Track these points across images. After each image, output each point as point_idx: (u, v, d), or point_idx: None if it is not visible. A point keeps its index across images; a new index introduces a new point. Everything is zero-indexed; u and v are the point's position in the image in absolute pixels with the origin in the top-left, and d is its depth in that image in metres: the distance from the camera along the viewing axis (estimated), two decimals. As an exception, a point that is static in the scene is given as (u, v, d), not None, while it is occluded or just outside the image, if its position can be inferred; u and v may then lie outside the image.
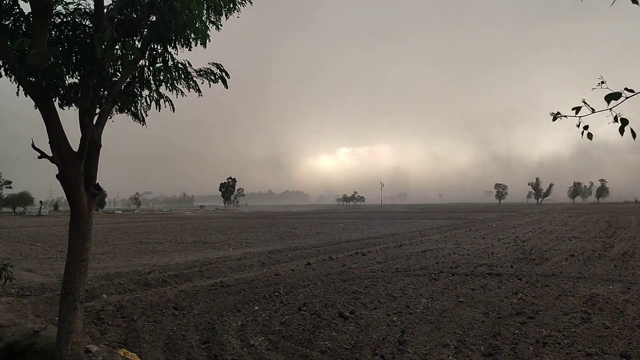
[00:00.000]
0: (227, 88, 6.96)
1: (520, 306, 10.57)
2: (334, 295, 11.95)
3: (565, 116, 3.83)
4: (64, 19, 6.30)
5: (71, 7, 6.27)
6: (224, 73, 6.93)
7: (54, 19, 6.23)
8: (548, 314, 9.89)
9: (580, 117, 3.68)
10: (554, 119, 3.86)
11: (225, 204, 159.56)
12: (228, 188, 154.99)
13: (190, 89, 6.86)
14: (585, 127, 3.76)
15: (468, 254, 20.30)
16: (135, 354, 7.70)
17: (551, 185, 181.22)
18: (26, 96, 6.21)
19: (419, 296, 11.70)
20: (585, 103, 3.61)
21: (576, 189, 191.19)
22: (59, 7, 6.24)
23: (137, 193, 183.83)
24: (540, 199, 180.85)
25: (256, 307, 10.85)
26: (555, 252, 20.42)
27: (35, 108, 6.24)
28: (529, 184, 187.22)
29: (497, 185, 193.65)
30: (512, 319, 9.56)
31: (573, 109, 3.68)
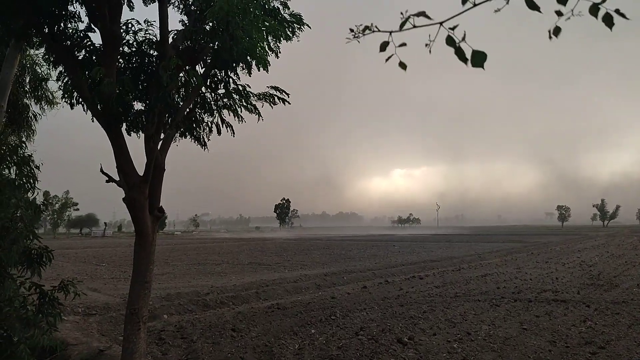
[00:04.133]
0: (289, 103, 7.09)
1: (590, 335, 10.00)
2: (391, 320, 11.72)
3: None
4: (132, 49, 6.60)
5: (140, 36, 6.57)
6: (284, 94, 7.07)
7: (123, 48, 6.54)
8: (620, 344, 9.30)
9: None
10: None
11: (280, 225, 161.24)
12: (283, 209, 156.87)
13: (252, 113, 7.01)
14: None
15: (531, 279, 19.49)
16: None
17: (618, 207, 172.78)
18: (92, 121, 6.52)
19: (480, 322, 11.30)
20: None
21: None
22: (128, 37, 6.56)
23: (195, 215, 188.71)
24: (606, 222, 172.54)
25: (313, 331, 10.78)
26: (625, 278, 19.30)
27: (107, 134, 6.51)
28: (593, 206, 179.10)
29: (560, 207, 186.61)
30: (581, 348, 9.05)
31: None
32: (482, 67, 2.45)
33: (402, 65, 2.62)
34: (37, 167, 7.36)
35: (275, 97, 7.18)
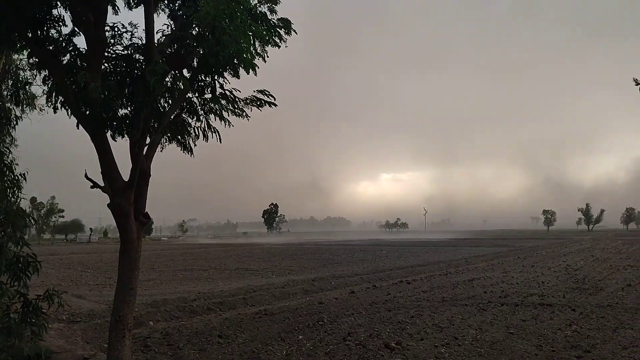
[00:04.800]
0: (276, 106, 7.09)
1: (575, 339, 10.07)
2: (379, 325, 11.71)
3: None
4: (118, 53, 6.55)
5: (125, 40, 6.52)
6: (270, 97, 7.06)
7: (109, 52, 6.49)
8: (606, 347, 9.38)
9: None
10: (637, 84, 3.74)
11: (268, 230, 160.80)
12: (271, 215, 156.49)
13: (239, 117, 6.99)
14: None
15: (517, 283, 19.61)
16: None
17: (602, 211, 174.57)
18: (78, 128, 6.46)
19: (467, 327, 11.33)
20: None
21: (629, 215, 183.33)
22: (113, 41, 6.51)
23: (183, 220, 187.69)
24: (591, 226, 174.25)
25: (300, 336, 10.73)
26: (610, 282, 19.50)
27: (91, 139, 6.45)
28: (578, 210, 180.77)
29: (545, 212, 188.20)
30: (567, 352, 9.11)
31: None
32: None
33: None
34: (23, 176, 7.27)
35: (263, 101, 7.17)
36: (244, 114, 7.10)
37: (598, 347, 9.35)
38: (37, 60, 6.45)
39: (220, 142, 7.18)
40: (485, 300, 15.11)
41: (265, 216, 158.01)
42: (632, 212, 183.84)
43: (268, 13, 6.56)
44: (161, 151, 7.31)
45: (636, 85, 3.60)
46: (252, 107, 7.15)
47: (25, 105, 7.58)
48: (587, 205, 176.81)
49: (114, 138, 6.69)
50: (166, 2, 6.82)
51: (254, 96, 7.12)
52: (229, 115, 7.02)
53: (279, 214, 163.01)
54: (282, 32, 6.67)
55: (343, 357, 9.04)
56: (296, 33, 6.90)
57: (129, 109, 6.58)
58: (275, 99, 7.24)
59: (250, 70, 6.29)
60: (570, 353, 9.02)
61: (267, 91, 7.15)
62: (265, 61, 6.79)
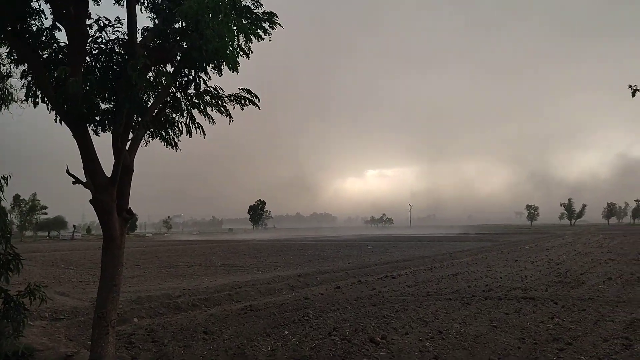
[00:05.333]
0: (259, 108, 7.05)
1: (557, 332, 10.21)
2: (364, 319, 11.76)
3: None
4: (101, 47, 6.46)
5: (108, 34, 6.43)
6: (254, 97, 7.01)
7: (90, 47, 6.40)
8: (587, 339, 9.52)
9: None
10: (633, 94, 3.73)
11: (254, 227, 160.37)
12: (257, 211, 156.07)
13: (222, 114, 6.94)
14: None
15: (500, 277, 19.82)
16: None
17: (584, 206, 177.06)
18: (61, 123, 6.37)
19: (451, 321, 11.43)
20: None
21: (611, 210, 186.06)
22: (95, 35, 6.42)
23: (168, 217, 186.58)
24: (573, 220, 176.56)
25: (286, 332, 10.74)
26: (591, 275, 19.80)
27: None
28: (561, 205, 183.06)
29: (529, 207, 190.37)
30: (549, 345, 9.23)
31: None
32: None
33: None
34: (5, 179, 7.14)
35: (247, 100, 7.12)
36: (227, 112, 7.05)
37: (579, 339, 9.49)
38: (16, 54, 6.34)
39: (204, 138, 7.14)
40: (469, 295, 15.24)
41: (251, 212, 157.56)
42: (613, 207, 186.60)
43: (251, 6, 6.50)
44: (145, 146, 7.25)
45: (633, 92, 3.60)
46: (236, 105, 7.10)
47: (5, 100, 7.46)
48: (570, 200, 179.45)
49: (96, 133, 6.62)
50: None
51: (239, 94, 7.07)
52: (212, 111, 6.96)
53: (265, 210, 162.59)
54: (266, 25, 6.63)
55: (328, 351, 9.07)
56: (281, 27, 6.85)
57: (111, 104, 6.50)
58: (259, 100, 7.20)
59: (233, 67, 6.24)
60: (552, 345, 9.14)
61: (251, 91, 7.11)
62: (249, 58, 6.74)
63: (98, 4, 6.38)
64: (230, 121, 7.11)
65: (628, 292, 15.08)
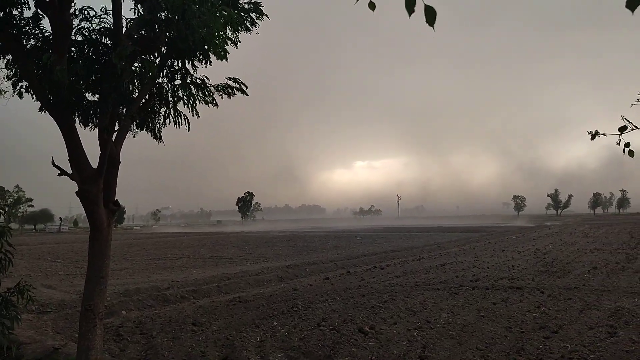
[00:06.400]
0: (247, 95, 7.01)
1: (544, 320, 10.33)
2: (353, 310, 11.82)
3: (604, 134, 3.73)
4: (86, 37, 6.37)
5: (94, 24, 6.35)
6: (242, 85, 6.97)
7: (75, 36, 6.31)
8: (572, 328, 9.65)
9: (620, 135, 3.58)
10: (593, 137, 3.76)
11: (242, 218, 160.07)
12: (245, 203, 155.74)
13: (209, 105, 6.89)
14: (627, 145, 3.65)
15: (488, 267, 20.00)
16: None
17: (570, 196, 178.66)
18: (44, 112, 6.30)
19: (439, 310, 11.52)
20: (628, 121, 3.52)
21: (596, 200, 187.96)
22: (82, 24, 6.33)
23: (157, 209, 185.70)
24: (559, 211, 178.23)
25: (275, 323, 10.76)
26: (577, 265, 20.03)
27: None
28: (547, 195, 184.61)
29: (515, 197, 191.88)
30: (535, 333, 9.34)
31: (619, 130, 3.57)
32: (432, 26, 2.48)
33: (371, 6, 2.66)
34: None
35: (234, 89, 7.08)
36: (214, 102, 6.99)
37: (565, 328, 9.62)
38: (0, 44, 6.24)
39: (189, 130, 7.08)
40: (457, 285, 15.37)
41: (240, 204, 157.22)
42: (598, 197, 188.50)
43: (238, -4, 6.44)
44: (134, 137, 7.19)
45: (592, 136, 3.66)
46: (223, 95, 7.05)
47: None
48: (556, 190, 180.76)
49: (82, 124, 6.55)
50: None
51: (226, 84, 7.02)
52: (199, 103, 6.91)
53: (254, 202, 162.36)
54: (253, 16, 6.58)
55: (317, 342, 9.11)
56: (268, 18, 6.81)
57: (97, 95, 6.43)
58: (247, 87, 7.16)
59: (221, 56, 6.19)
60: (538, 334, 9.26)
61: (239, 79, 7.06)
62: (237, 47, 6.70)
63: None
64: (215, 107, 7.05)
65: (613, 281, 15.29)
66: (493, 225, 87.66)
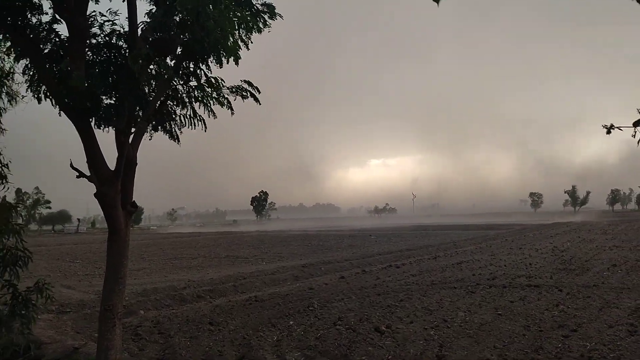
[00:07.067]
0: (259, 104, 7.03)
1: (562, 319, 10.23)
2: (369, 309, 11.80)
3: (619, 128, 3.69)
4: (101, 41, 6.45)
5: (107, 28, 6.42)
6: (255, 89, 7.00)
7: (91, 40, 6.39)
8: (592, 326, 9.54)
9: (636, 128, 3.53)
10: (608, 131, 3.72)
11: (257, 218, 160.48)
12: (260, 202, 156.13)
13: (223, 106, 6.93)
14: None
15: (505, 265, 19.83)
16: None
17: (588, 193, 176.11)
18: (60, 115, 6.38)
19: (456, 309, 11.45)
20: None
21: (615, 197, 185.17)
22: (96, 30, 6.40)
23: (172, 209, 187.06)
24: (577, 207, 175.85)
25: (291, 322, 10.80)
26: (596, 262, 19.79)
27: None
28: (565, 192, 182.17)
29: (532, 194, 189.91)
30: (554, 332, 9.25)
31: (634, 124, 3.53)
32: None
33: None
34: (6, 165, 7.18)
35: (248, 92, 7.11)
36: (229, 104, 7.03)
37: (584, 326, 9.51)
38: (18, 49, 6.33)
39: (205, 131, 7.13)
40: (474, 283, 15.27)
41: (255, 203, 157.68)
42: (617, 193, 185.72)
43: (251, -2, 6.46)
44: (150, 139, 7.25)
45: (607, 130, 3.61)
46: (237, 97, 7.08)
47: (5, 96, 7.43)
48: (574, 187, 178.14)
49: (99, 127, 6.62)
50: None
51: (240, 86, 7.05)
52: (213, 104, 6.95)
53: (268, 202, 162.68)
54: (266, 17, 6.60)
55: (333, 341, 9.12)
56: (282, 17, 6.83)
57: (113, 98, 6.50)
58: (259, 92, 7.18)
59: (234, 59, 6.22)
60: (557, 332, 9.17)
61: (252, 83, 7.09)
62: (248, 49, 6.72)
63: (97, 2, 6.35)
64: (231, 114, 7.10)
65: (633, 279, 15.08)
66: (515, 222, 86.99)
